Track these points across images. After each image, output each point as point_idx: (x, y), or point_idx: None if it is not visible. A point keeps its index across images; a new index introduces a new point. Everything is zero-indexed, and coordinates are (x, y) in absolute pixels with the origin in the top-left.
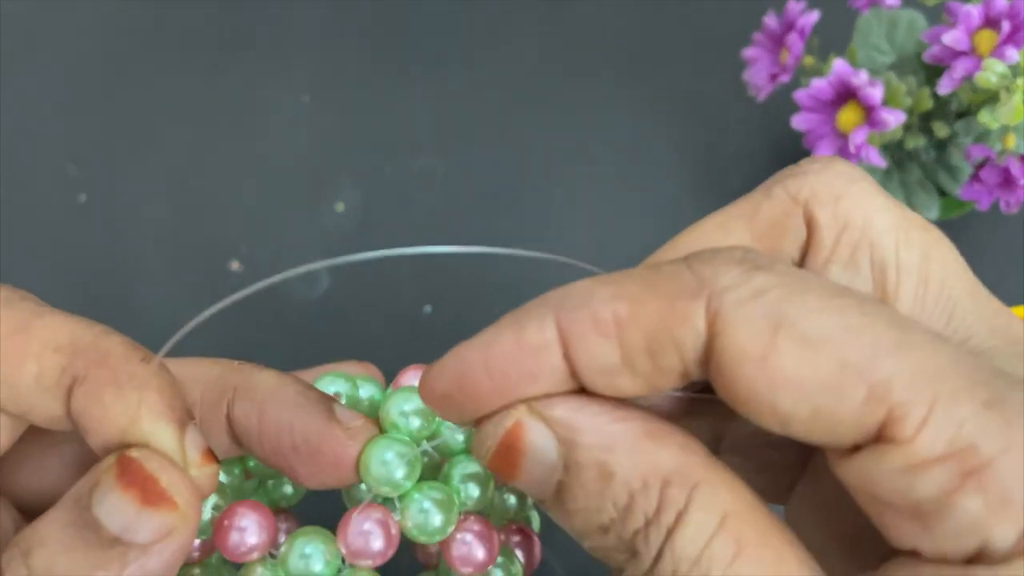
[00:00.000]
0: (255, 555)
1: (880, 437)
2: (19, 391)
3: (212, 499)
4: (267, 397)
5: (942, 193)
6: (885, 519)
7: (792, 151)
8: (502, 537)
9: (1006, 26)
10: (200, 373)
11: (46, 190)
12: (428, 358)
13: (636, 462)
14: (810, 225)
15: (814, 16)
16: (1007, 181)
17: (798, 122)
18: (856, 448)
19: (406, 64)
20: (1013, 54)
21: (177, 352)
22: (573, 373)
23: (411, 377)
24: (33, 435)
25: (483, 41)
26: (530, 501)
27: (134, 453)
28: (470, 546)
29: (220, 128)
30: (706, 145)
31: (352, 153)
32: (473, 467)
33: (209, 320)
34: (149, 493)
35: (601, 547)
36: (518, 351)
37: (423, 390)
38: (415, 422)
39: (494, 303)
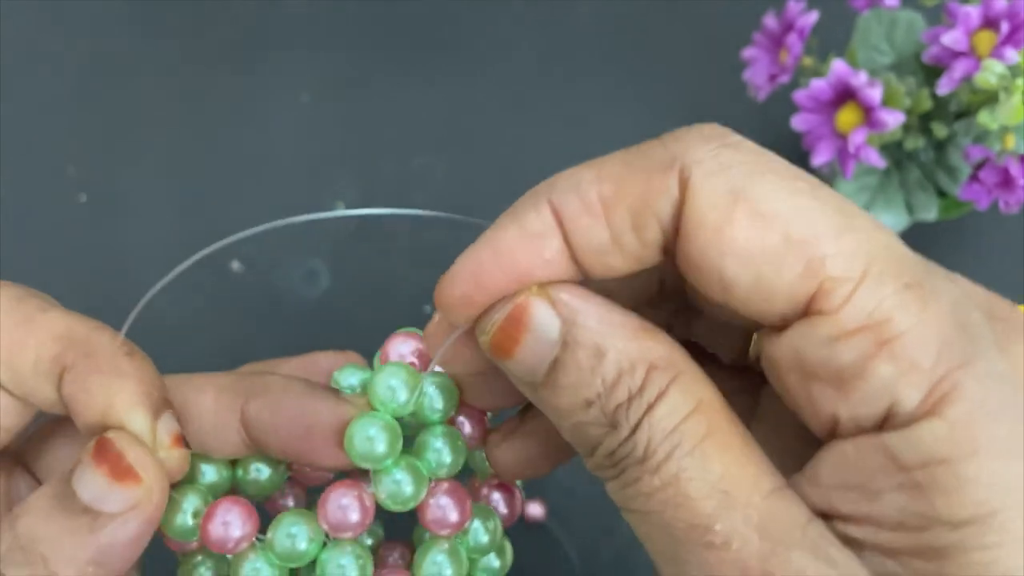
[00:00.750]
0: (242, 545)
1: (809, 310)
2: (20, 375)
3: (195, 503)
4: (278, 392)
5: (941, 193)
6: (811, 391)
7: (792, 151)
8: (484, 491)
9: (1005, 27)
10: (213, 380)
11: (46, 190)
12: None
13: (628, 346)
14: (686, 185)
15: (813, 16)
16: (1006, 181)
17: (797, 122)
18: (786, 325)
19: (406, 64)
20: (1012, 55)
21: (174, 352)
22: (572, 257)
23: (399, 343)
24: (59, 422)
25: (483, 41)
26: None
27: (110, 434)
28: (444, 509)
29: (220, 128)
30: None
31: (352, 153)
32: (446, 436)
33: (209, 320)
34: (117, 469)
35: (582, 422)
36: (522, 240)
37: (440, 297)
38: (402, 395)
39: None
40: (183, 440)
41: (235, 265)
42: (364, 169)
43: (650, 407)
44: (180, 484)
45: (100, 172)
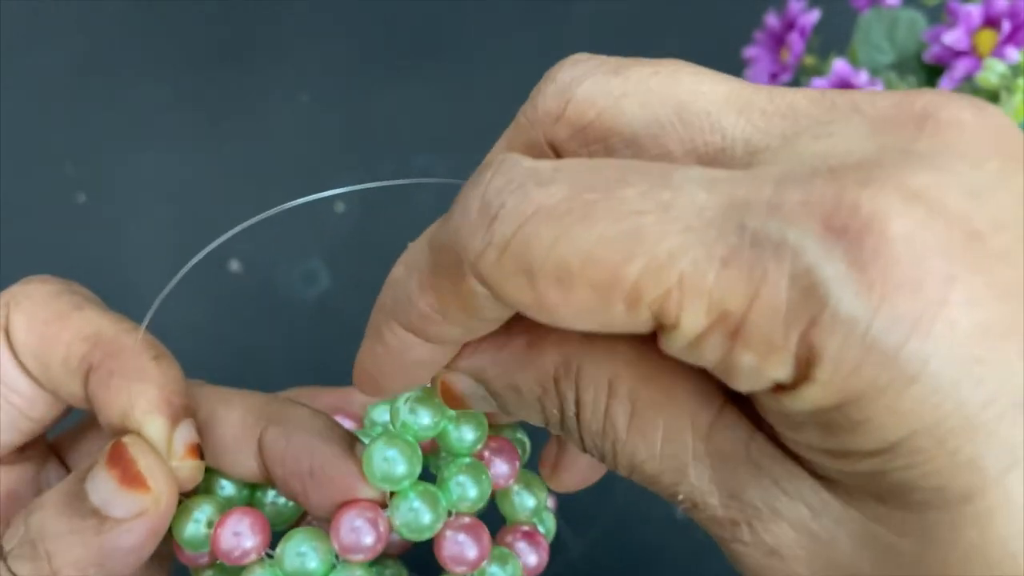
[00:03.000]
0: (252, 557)
1: (659, 327)
2: (50, 370)
3: (208, 511)
4: (297, 424)
5: None
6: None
7: None
8: (509, 539)
9: (1006, 26)
10: (244, 399)
11: (45, 190)
12: None
13: (527, 375)
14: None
15: (815, 15)
16: None
17: None
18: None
19: (406, 63)
20: (1014, 54)
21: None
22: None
23: None
24: (95, 417)
25: (483, 40)
26: (546, 503)
27: (125, 439)
28: (461, 545)
29: (219, 127)
30: None
31: (352, 153)
32: (471, 469)
33: (208, 320)
34: (127, 475)
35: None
36: (390, 356)
37: (358, 387)
38: (424, 419)
39: None
40: (199, 451)
41: (234, 265)
42: (364, 169)
43: (578, 419)
44: (196, 494)
45: (99, 172)
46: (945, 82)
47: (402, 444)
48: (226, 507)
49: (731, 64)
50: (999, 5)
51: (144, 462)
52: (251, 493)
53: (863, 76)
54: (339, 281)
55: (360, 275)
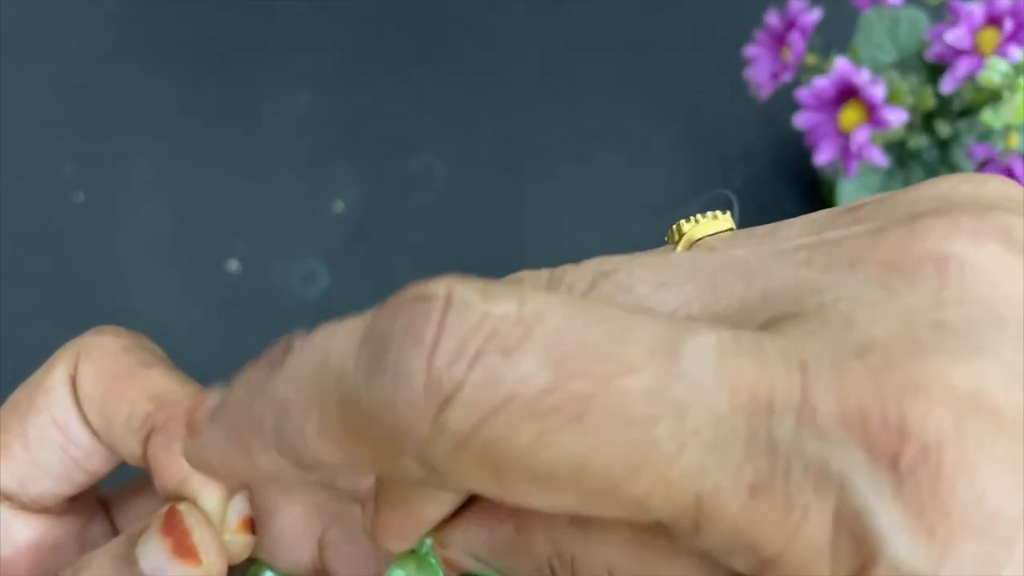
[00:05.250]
0: None
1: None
2: (112, 427)
3: None
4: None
5: None
6: None
7: (794, 150)
8: None
9: (1009, 25)
10: (308, 495)
11: (43, 189)
12: None
13: (522, 562)
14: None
15: (816, 14)
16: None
17: (800, 121)
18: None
19: (406, 63)
20: (1016, 53)
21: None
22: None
23: None
24: (148, 480)
25: (483, 40)
26: None
27: (180, 506)
28: None
29: (218, 127)
30: (707, 144)
31: (351, 153)
32: None
33: (208, 320)
34: (181, 546)
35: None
36: (255, 471)
37: (185, 458)
38: None
39: None
40: (252, 525)
41: (233, 265)
42: (364, 169)
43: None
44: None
45: (98, 171)
46: (947, 81)
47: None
48: None
49: (732, 64)
50: (1001, 4)
51: (198, 534)
52: None
53: (865, 75)
54: (339, 281)
55: (360, 275)
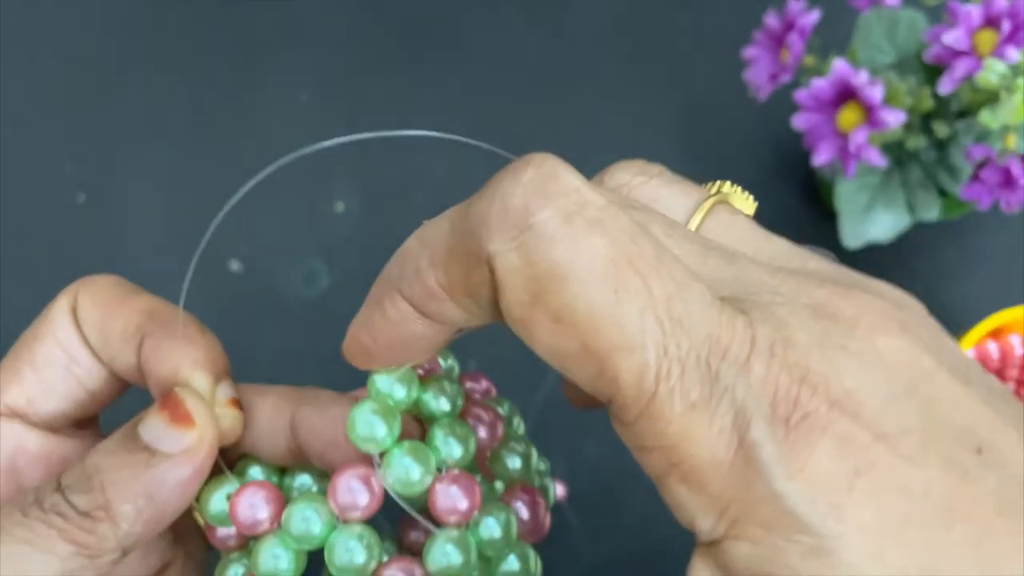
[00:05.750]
0: (264, 527)
1: (611, 411)
2: (109, 341)
3: (230, 489)
4: (326, 400)
5: (943, 193)
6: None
7: (793, 151)
8: (504, 496)
9: (1006, 26)
10: (277, 389)
11: (45, 190)
12: None
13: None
14: (495, 275)
15: (814, 16)
16: (1008, 181)
17: (798, 122)
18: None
19: (406, 63)
20: (1014, 54)
21: None
22: (428, 320)
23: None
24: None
25: (483, 41)
26: (541, 467)
27: (175, 389)
28: (453, 497)
29: (219, 127)
30: (706, 145)
31: (352, 153)
32: (454, 427)
33: (208, 320)
34: (176, 414)
35: None
36: (387, 325)
37: (344, 355)
38: (399, 392)
39: None
40: (238, 404)
41: (234, 265)
42: (364, 169)
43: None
44: (225, 475)
45: (99, 171)
46: (945, 82)
47: (381, 407)
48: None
49: (731, 64)
50: (999, 5)
51: (191, 403)
52: (280, 479)
53: (863, 76)
54: (339, 281)
55: (360, 275)
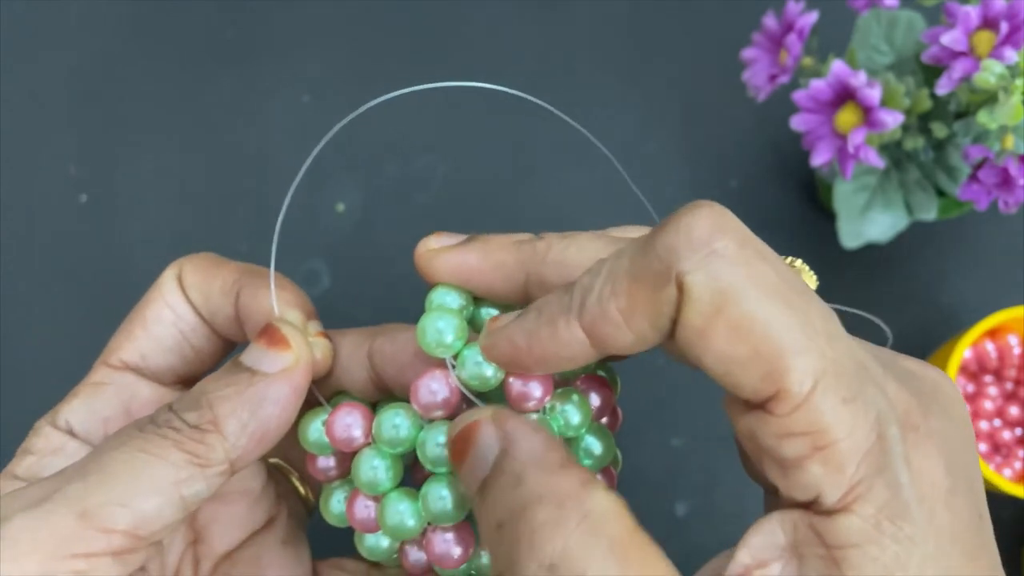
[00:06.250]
0: (359, 442)
1: (766, 407)
2: (210, 298)
3: (324, 416)
4: (397, 330)
5: (941, 193)
6: (761, 461)
7: (791, 151)
8: (577, 383)
9: (1004, 27)
10: (351, 329)
11: (47, 190)
12: None
13: (544, 479)
14: (681, 291)
15: (813, 17)
16: (1005, 181)
17: (797, 123)
18: (750, 405)
19: (406, 64)
20: (1011, 55)
21: None
22: (593, 347)
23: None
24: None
25: (483, 41)
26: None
27: (271, 320)
28: (527, 386)
29: (220, 129)
30: (706, 145)
31: (352, 153)
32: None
33: None
34: (273, 339)
35: (493, 542)
36: (553, 342)
37: (485, 352)
38: (455, 302)
39: None
40: (327, 335)
41: None
42: (364, 169)
43: (532, 538)
44: (320, 407)
45: (101, 172)
46: (943, 83)
47: (449, 315)
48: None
49: (730, 65)
50: (997, 6)
51: (287, 330)
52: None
53: (861, 77)
54: (339, 281)
55: (360, 275)
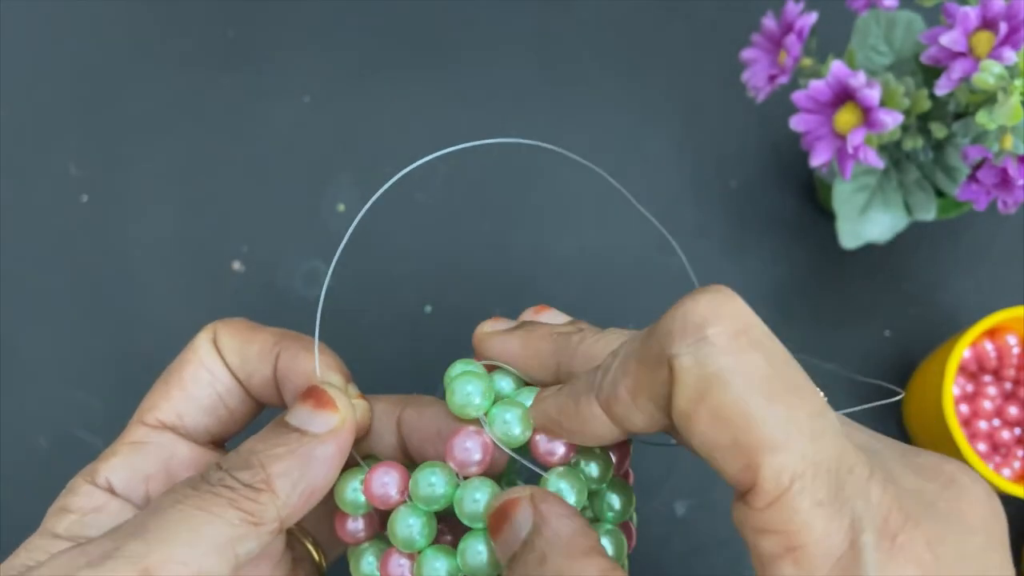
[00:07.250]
0: (395, 499)
1: (745, 497)
2: (247, 360)
3: (360, 476)
4: (427, 403)
5: (940, 193)
6: (747, 539)
7: (791, 152)
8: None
9: (1003, 27)
10: (382, 396)
11: (48, 191)
12: (428, 357)
13: (567, 564)
14: (672, 373)
15: (812, 17)
16: (1004, 181)
17: (796, 123)
18: (737, 493)
19: (406, 64)
20: (1010, 55)
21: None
22: (615, 424)
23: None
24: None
25: (483, 41)
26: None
27: (315, 383)
28: (551, 444)
29: (221, 129)
30: (705, 145)
31: (352, 153)
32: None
33: (210, 320)
34: (320, 400)
35: None
36: (578, 418)
37: (532, 416)
38: (476, 399)
39: (493, 303)
40: (365, 397)
41: (236, 265)
42: (365, 169)
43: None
44: (356, 467)
45: (102, 172)
46: (942, 83)
47: (477, 379)
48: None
49: (729, 66)
50: (996, 6)
51: (333, 392)
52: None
53: (861, 78)
54: (339, 281)
55: (360, 275)
